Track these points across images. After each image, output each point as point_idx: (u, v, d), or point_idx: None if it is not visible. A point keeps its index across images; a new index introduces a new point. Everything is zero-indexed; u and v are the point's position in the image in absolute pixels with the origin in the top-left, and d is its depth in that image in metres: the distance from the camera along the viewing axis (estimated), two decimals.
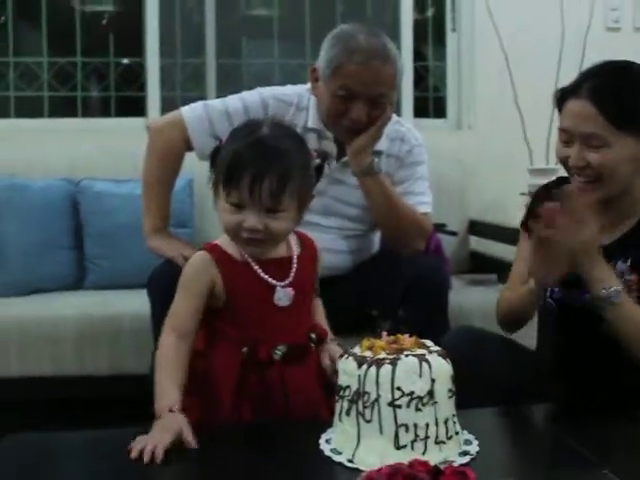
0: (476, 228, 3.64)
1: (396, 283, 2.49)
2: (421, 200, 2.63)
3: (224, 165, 1.71)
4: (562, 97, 1.94)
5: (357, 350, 1.59)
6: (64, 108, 4.10)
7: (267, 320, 1.80)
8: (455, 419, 1.57)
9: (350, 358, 1.57)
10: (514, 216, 3.53)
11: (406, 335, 1.62)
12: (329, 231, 2.59)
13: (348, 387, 1.55)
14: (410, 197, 2.60)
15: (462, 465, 1.45)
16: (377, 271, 2.64)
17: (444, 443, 1.52)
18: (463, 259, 3.65)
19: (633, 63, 1.99)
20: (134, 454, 1.52)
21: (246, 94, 2.60)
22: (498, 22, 3.77)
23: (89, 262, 3.31)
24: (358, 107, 2.41)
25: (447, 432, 1.53)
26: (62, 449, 1.71)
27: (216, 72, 4.10)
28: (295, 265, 1.82)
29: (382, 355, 1.54)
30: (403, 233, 2.57)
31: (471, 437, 1.60)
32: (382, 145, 2.57)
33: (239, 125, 1.86)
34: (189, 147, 2.57)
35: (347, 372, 1.56)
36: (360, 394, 1.52)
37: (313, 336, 1.86)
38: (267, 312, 1.80)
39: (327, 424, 1.63)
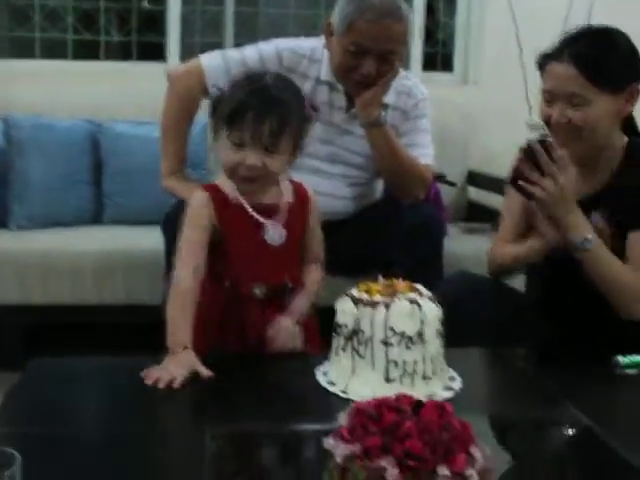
0: (475, 179, 3.72)
1: (395, 229, 2.62)
2: (423, 152, 2.72)
3: (228, 107, 1.81)
4: (545, 60, 2.07)
5: (354, 292, 1.71)
6: (87, 50, 4.15)
7: (257, 258, 1.91)
8: (441, 358, 1.70)
9: (347, 298, 1.70)
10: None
11: (400, 280, 1.75)
12: (334, 178, 2.71)
13: (345, 325, 1.67)
14: (413, 149, 2.70)
15: (445, 400, 1.55)
16: (378, 217, 2.75)
17: (430, 379, 1.66)
18: (461, 208, 3.74)
19: (611, 28, 2.13)
20: (150, 381, 1.66)
21: (262, 45, 2.68)
22: None
23: (107, 198, 3.41)
24: (368, 62, 2.50)
25: (433, 369, 1.67)
26: (83, 373, 1.83)
27: (234, 20, 4.14)
28: (285, 208, 1.93)
29: (377, 297, 1.67)
30: (405, 182, 2.68)
31: (455, 374, 1.73)
32: (389, 98, 2.66)
33: (240, 76, 1.95)
34: (206, 93, 2.65)
35: (345, 311, 1.69)
36: (355, 332, 1.65)
37: (289, 284, 1.96)
38: (258, 250, 1.91)
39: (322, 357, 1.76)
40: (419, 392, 1.53)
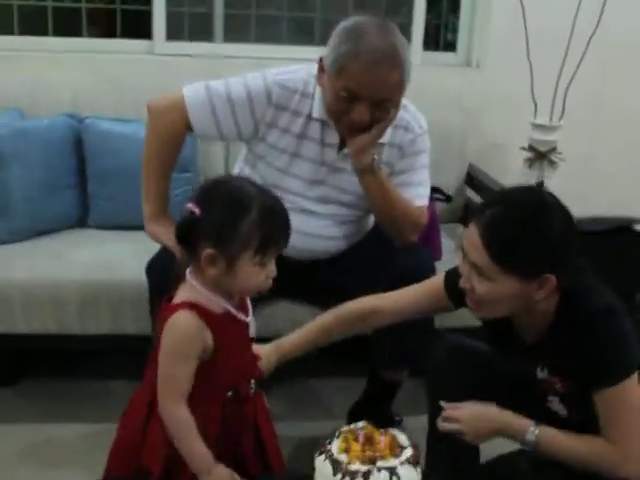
0: (473, 182, 3.54)
1: (386, 273, 2.50)
2: (418, 192, 2.62)
3: (257, 236, 1.79)
4: (472, 213, 1.91)
5: (334, 448, 1.69)
6: (69, 21, 3.87)
7: (247, 356, 1.97)
8: None
9: (327, 461, 1.67)
10: (513, 167, 3.54)
11: (382, 432, 1.72)
12: (325, 218, 2.62)
13: None
14: (408, 188, 2.59)
15: None
16: (368, 258, 2.67)
17: None
18: (458, 208, 3.60)
19: (548, 205, 1.82)
20: None
21: (250, 79, 2.53)
22: None
23: (92, 201, 3.26)
24: (360, 109, 2.35)
25: None
26: None
27: None
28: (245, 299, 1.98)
29: (356, 466, 1.63)
30: (397, 227, 2.59)
31: None
32: (385, 136, 2.52)
33: (221, 199, 1.85)
34: (190, 128, 2.53)
35: (323, 475, 1.67)
36: None
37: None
38: (246, 349, 1.97)
39: None
40: None
